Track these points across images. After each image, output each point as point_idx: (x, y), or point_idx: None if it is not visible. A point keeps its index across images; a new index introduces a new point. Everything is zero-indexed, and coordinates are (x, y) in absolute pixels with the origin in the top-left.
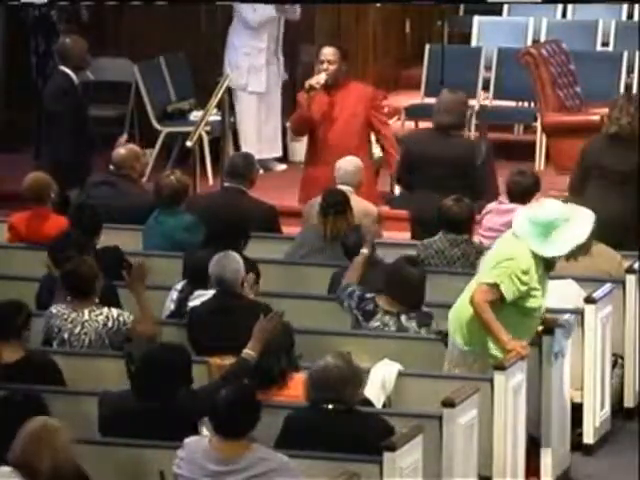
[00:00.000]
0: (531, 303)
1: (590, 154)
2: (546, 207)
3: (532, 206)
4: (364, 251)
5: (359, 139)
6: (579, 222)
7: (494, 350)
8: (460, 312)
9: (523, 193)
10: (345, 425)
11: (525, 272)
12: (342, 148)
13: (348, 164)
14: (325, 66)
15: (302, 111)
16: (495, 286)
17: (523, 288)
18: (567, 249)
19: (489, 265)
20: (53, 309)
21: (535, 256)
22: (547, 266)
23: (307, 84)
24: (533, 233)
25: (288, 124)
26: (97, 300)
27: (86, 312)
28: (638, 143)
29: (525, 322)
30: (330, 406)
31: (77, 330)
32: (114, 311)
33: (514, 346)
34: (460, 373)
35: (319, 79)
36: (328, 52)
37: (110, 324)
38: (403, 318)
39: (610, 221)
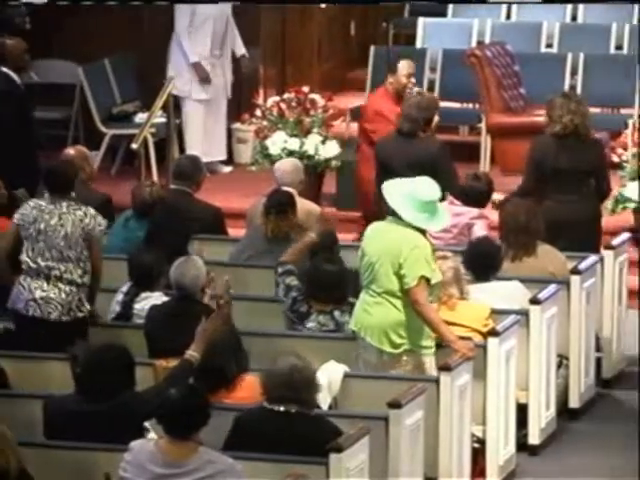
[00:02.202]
0: (437, 277)
1: (541, 156)
2: (424, 186)
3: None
4: (311, 235)
5: None
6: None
7: (424, 342)
8: (382, 319)
9: (478, 198)
10: (294, 427)
11: (427, 249)
12: None
13: (286, 165)
14: (413, 80)
15: None
16: (423, 278)
17: (432, 265)
18: (447, 220)
19: (407, 266)
20: (31, 202)
21: (420, 233)
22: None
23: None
24: (420, 213)
25: None
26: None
27: (64, 205)
28: (583, 141)
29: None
30: (282, 408)
31: (54, 221)
32: (92, 210)
33: (461, 347)
34: (406, 374)
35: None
36: (411, 65)
37: (87, 220)
38: (337, 314)
39: (570, 222)
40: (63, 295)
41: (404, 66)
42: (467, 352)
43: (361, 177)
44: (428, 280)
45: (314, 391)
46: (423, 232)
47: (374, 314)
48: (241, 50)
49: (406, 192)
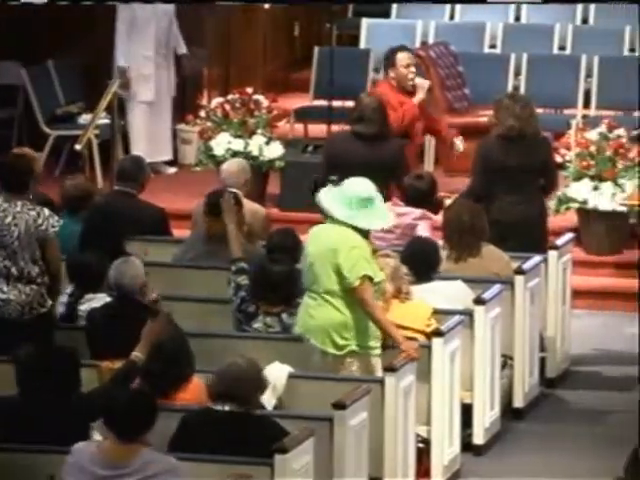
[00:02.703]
0: (379, 276)
1: (487, 157)
2: (357, 184)
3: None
4: (231, 226)
5: None
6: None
7: (369, 342)
8: (325, 320)
9: (421, 197)
10: (240, 428)
11: (365, 247)
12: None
13: (231, 166)
14: (413, 70)
15: (417, 108)
16: (366, 277)
17: (372, 263)
18: (389, 219)
19: (345, 266)
20: None
21: (356, 232)
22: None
23: (427, 87)
24: (353, 211)
25: (403, 120)
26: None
27: (19, 204)
28: (531, 140)
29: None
30: (227, 408)
31: (8, 220)
32: (46, 211)
33: (408, 347)
34: (351, 375)
35: (426, 82)
36: (409, 56)
37: (40, 221)
38: (284, 316)
39: (519, 222)
40: (23, 296)
41: (402, 57)
42: (413, 353)
43: None
44: (371, 279)
45: (259, 391)
46: (364, 233)
47: (316, 316)
48: (182, 49)
49: (337, 191)
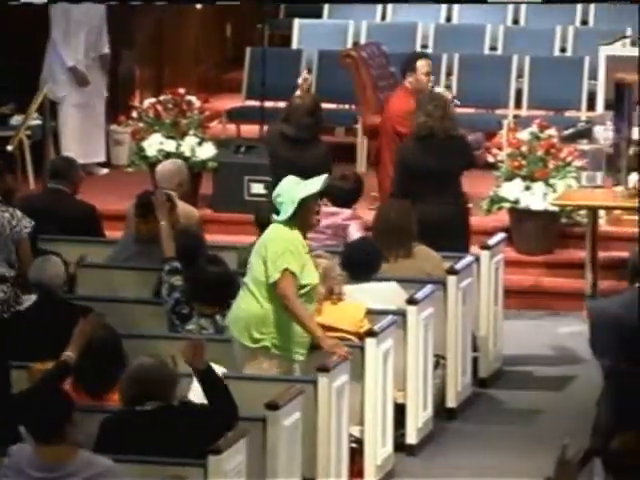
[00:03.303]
0: (307, 279)
1: (406, 158)
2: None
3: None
4: (162, 223)
5: None
6: (310, 182)
7: (288, 344)
8: (244, 312)
9: (346, 197)
10: (165, 422)
11: (296, 244)
12: None
13: (165, 167)
14: (432, 78)
15: None
16: (288, 271)
17: (301, 261)
18: (299, 197)
19: (270, 258)
20: None
21: (292, 229)
22: (309, 228)
23: (450, 97)
24: (289, 190)
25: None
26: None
27: None
28: (448, 142)
29: (308, 304)
30: (148, 407)
31: None
32: (18, 212)
33: (330, 345)
34: (284, 375)
35: (448, 93)
36: (429, 64)
37: (14, 222)
38: (218, 318)
39: (440, 223)
40: (1, 294)
41: (423, 65)
42: (337, 350)
43: (378, 164)
44: (295, 275)
45: (174, 386)
46: (301, 230)
47: (241, 306)
48: (104, 49)
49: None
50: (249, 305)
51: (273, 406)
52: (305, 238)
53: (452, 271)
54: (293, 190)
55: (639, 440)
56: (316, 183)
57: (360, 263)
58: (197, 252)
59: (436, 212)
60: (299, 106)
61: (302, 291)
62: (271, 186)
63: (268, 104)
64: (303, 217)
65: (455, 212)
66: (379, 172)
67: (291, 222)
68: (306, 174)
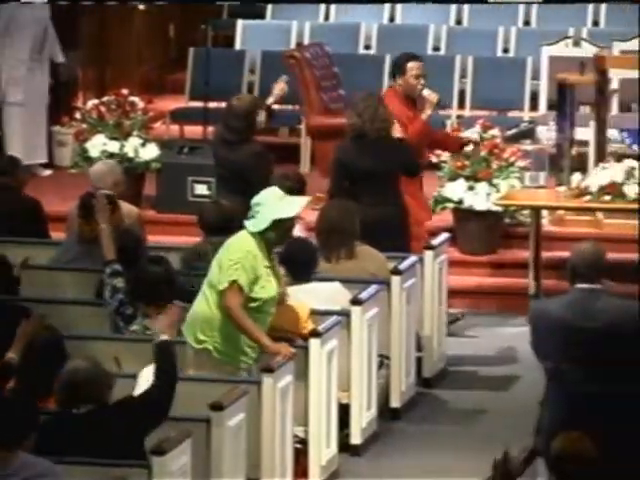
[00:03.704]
0: (261, 294)
1: (342, 159)
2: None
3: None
4: (103, 226)
5: None
6: (290, 202)
7: (231, 351)
8: (195, 312)
9: None
10: (98, 428)
11: (252, 256)
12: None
13: (98, 167)
14: (422, 81)
15: (426, 125)
16: (235, 284)
17: (252, 275)
18: (270, 219)
19: (223, 265)
20: None
21: (257, 241)
22: (269, 250)
23: (435, 100)
24: (268, 205)
25: (412, 139)
26: None
27: None
28: (384, 142)
29: (260, 317)
30: (83, 410)
31: None
32: None
33: (277, 349)
34: (228, 376)
35: (435, 96)
36: (420, 67)
37: None
38: (161, 318)
39: (377, 224)
40: None
41: (412, 67)
42: (282, 350)
43: None
44: (242, 289)
45: (103, 388)
46: (267, 243)
47: (194, 306)
48: (59, 58)
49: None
50: (199, 305)
51: (217, 407)
52: (270, 252)
53: (396, 271)
54: (272, 206)
55: (580, 441)
56: (296, 205)
57: (299, 262)
58: (138, 252)
59: (373, 213)
60: (232, 108)
61: (253, 304)
62: (214, 186)
63: (212, 105)
64: (274, 235)
65: (393, 212)
66: None
67: (260, 235)
68: (235, 176)
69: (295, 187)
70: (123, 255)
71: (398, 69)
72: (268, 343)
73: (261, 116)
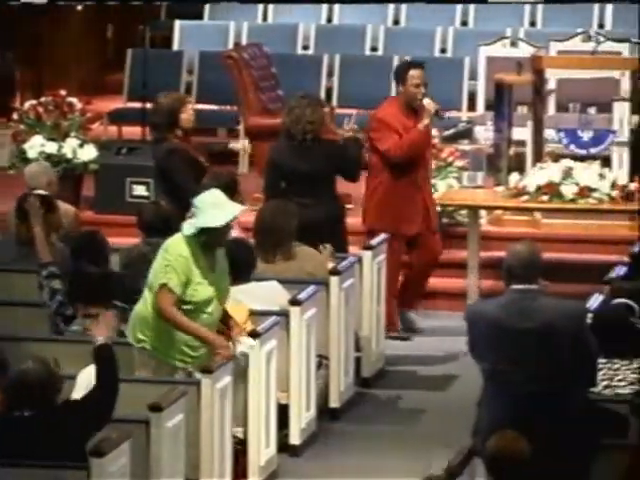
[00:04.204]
0: (197, 296)
1: (274, 159)
2: (203, 194)
3: None
4: (36, 229)
5: None
6: (224, 211)
7: (169, 350)
8: (135, 312)
9: None
10: (45, 430)
11: (184, 259)
12: (428, 169)
13: (31, 168)
14: (422, 90)
15: (422, 137)
16: (165, 287)
17: (183, 277)
18: (196, 227)
19: (156, 267)
20: None
21: (190, 244)
22: (205, 252)
23: (433, 110)
24: (202, 210)
25: (396, 150)
26: None
27: None
28: (316, 143)
29: (197, 318)
30: (26, 413)
31: None
32: None
33: (221, 342)
34: (167, 377)
35: (434, 106)
36: (420, 75)
37: None
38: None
39: (311, 224)
40: None
41: (413, 75)
42: (223, 351)
43: (366, 191)
44: (173, 291)
45: (49, 390)
46: (205, 245)
47: (136, 306)
48: None
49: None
50: (138, 306)
51: (156, 408)
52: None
53: (335, 272)
54: (204, 213)
55: (515, 440)
56: (227, 214)
57: (238, 264)
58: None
59: (307, 213)
60: (155, 104)
61: (187, 307)
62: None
63: (150, 105)
64: (205, 239)
65: (329, 213)
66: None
67: (194, 238)
68: (159, 175)
69: (227, 186)
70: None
71: (399, 77)
72: (211, 337)
73: (187, 113)
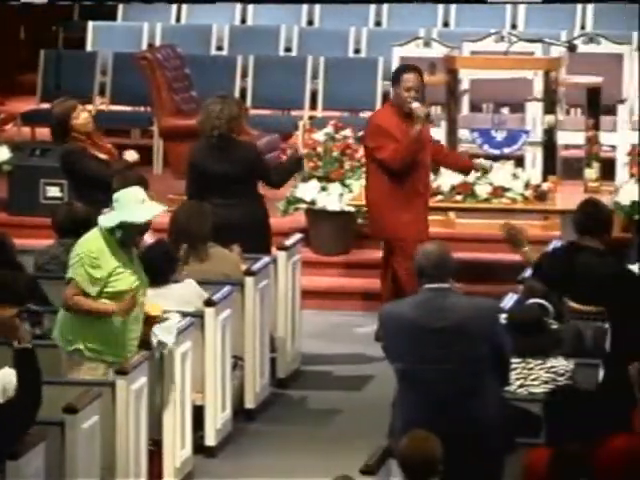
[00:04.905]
0: (119, 285)
1: (194, 159)
2: (125, 189)
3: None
4: None
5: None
6: (146, 208)
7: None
8: (62, 314)
9: None
10: None
11: (93, 254)
12: (428, 176)
13: None
14: (413, 94)
15: (414, 143)
16: (73, 281)
17: (98, 274)
18: (116, 221)
19: (70, 263)
20: None
21: (106, 238)
22: (122, 247)
23: (422, 114)
24: (123, 205)
25: (394, 158)
26: None
27: None
28: (232, 144)
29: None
30: None
31: None
32: None
33: (126, 304)
34: (82, 379)
35: (428, 110)
36: (412, 79)
37: None
38: (17, 322)
39: (230, 225)
40: None
41: (406, 79)
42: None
43: (366, 198)
44: (78, 285)
45: None
46: (120, 241)
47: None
48: None
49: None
50: (61, 309)
51: (71, 410)
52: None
53: (249, 272)
54: (125, 207)
55: (426, 440)
56: (148, 212)
57: (156, 267)
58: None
59: (223, 215)
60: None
61: (113, 299)
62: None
63: None
64: (122, 235)
65: (250, 214)
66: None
67: (109, 232)
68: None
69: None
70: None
71: (394, 80)
72: (110, 308)
73: (80, 119)
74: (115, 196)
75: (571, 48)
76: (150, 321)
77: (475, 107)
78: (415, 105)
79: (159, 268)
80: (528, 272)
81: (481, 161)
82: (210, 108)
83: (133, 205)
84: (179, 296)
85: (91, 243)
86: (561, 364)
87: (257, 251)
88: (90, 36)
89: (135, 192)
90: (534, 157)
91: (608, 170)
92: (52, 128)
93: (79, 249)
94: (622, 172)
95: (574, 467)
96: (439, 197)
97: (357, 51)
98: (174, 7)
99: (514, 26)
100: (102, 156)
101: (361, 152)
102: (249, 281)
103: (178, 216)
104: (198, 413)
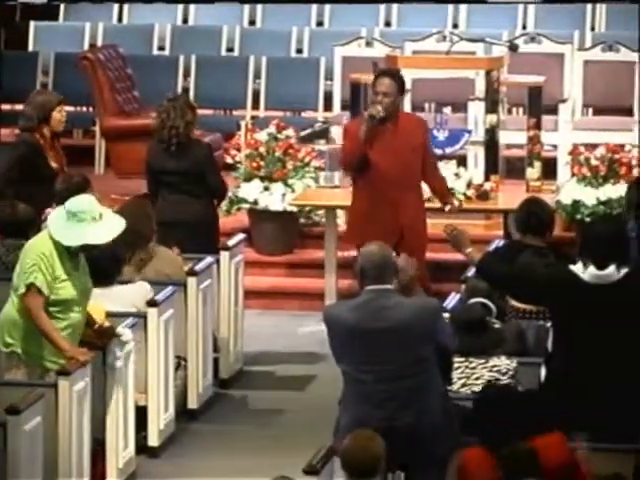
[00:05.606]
0: (63, 294)
1: (149, 159)
2: (81, 200)
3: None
4: None
5: (419, 174)
6: (106, 226)
7: (40, 352)
8: (3, 315)
9: (68, 197)
10: None
11: (47, 258)
12: (404, 185)
13: None
14: (380, 98)
15: (358, 144)
16: (34, 287)
17: (49, 277)
18: (80, 242)
19: (22, 268)
20: None
21: (55, 241)
22: (71, 256)
23: (367, 114)
24: (59, 220)
25: (339, 158)
26: None
27: None
28: (184, 143)
29: (66, 317)
30: None
31: None
32: None
33: (74, 354)
34: (23, 380)
35: (378, 111)
36: (384, 83)
37: None
38: None
39: (179, 222)
40: None
41: (377, 83)
42: (80, 358)
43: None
44: (41, 290)
45: None
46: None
47: (3, 309)
48: None
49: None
50: (7, 308)
51: (13, 411)
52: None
53: (192, 272)
54: (84, 222)
55: (369, 439)
56: (109, 232)
57: (102, 268)
58: None
59: (173, 213)
60: (30, 97)
61: (55, 308)
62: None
63: (5, 107)
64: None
65: (198, 213)
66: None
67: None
68: None
69: (78, 188)
70: None
71: (372, 84)
72: (66, 347)
73: (60, 115)
74: (70, 208)
75: (513, 48)
76: (92, 324)
77: (417, 107)
78: (372, 109)
79: (105, 269)
80: (471, 271)
81: (455, 204)
82: (165, 116)
83: (92, 222)
84: (124, 297)
85: (43, 246)
86: (503, 363)
87: (208, 249)
88: (32, 36)
89: (91, 207)
90: (476, 157)
91: (550, 169)
92: (27, 112)
93: (32, 254)
94: (563, 171)
95: (523, 466)
96: None
97: (299, 51)
98: (116, 7)
99: (456, 26)
100: (53, 163)
101: (303, 152)
102: (192, 281)
103: (122, 216)
104: (141, 413)
